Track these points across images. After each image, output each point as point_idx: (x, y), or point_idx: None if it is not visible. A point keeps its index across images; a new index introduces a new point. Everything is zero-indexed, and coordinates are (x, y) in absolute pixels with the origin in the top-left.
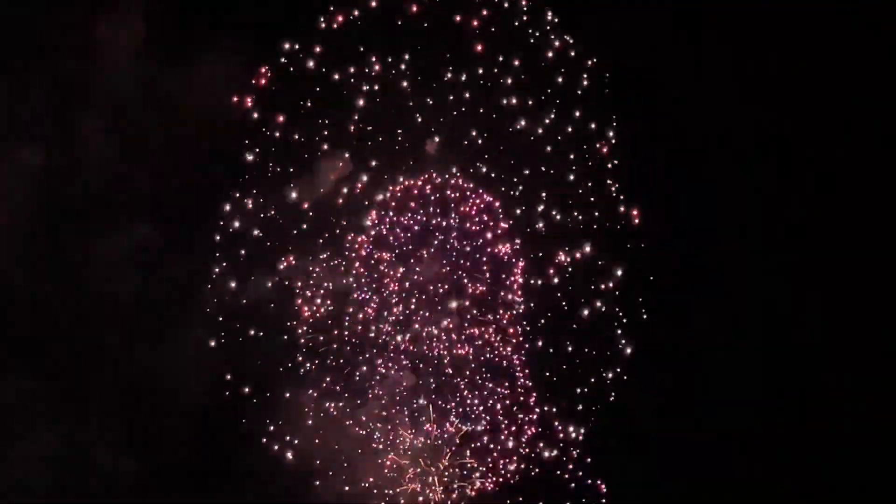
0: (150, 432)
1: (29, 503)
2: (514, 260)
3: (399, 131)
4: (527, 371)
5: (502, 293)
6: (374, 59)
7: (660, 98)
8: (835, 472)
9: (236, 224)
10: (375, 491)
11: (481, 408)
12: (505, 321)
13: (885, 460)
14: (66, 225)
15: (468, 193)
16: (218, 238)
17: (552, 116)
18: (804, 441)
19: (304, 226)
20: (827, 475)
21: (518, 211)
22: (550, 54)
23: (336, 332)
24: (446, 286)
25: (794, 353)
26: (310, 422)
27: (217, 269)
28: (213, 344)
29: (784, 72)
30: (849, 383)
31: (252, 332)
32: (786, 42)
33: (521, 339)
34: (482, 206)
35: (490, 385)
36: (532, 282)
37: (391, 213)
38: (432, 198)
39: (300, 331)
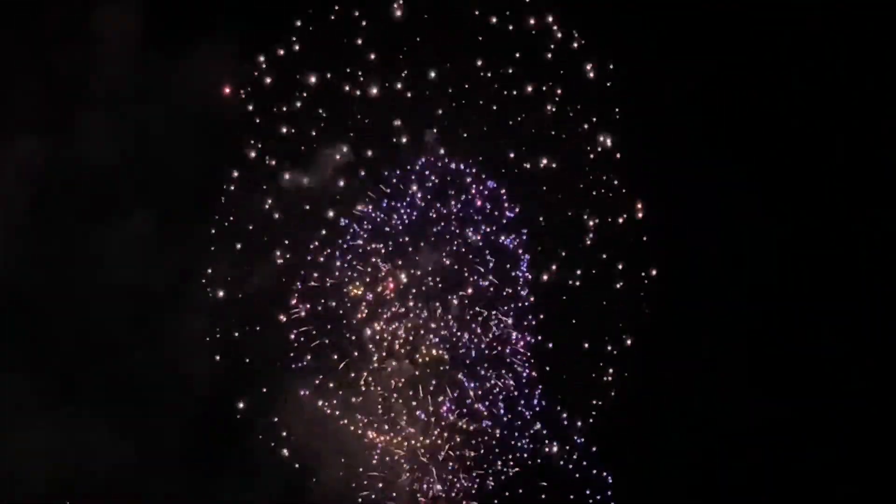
0: (147, 426)
1: (25, 496)
2: (520, 251)
3: (398, 123)
4: (531, 362)
5: (507, 288)
6: (371, 52)
7: (663, 92)
8: (834, 470)
9: (233, 217)
10: (367, 482)
11: (482, 401)
12: (510, 317)
13: (886, 461)
14: (63, 217)
15: (469, 180)
16: (215, 231)
17: (552, 109)
18: (805, 434)
19: (301, 220)
20: (826, 472)
21: (518, 207)
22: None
23: (330, 326)
24: (447, 278)
25: (797, 349)
26: (306, 417)
27: (214, 262)
28: (208, 339)
29: (790, 69)
30: (851, 381)
31: (248, 326)
32: (792, 39)
33: (525, 334)
34: (486, 193)
35: (492, 379)
36: (536, 276)
37: (387, 202)
38: (430, 184)
39: (295, 324)
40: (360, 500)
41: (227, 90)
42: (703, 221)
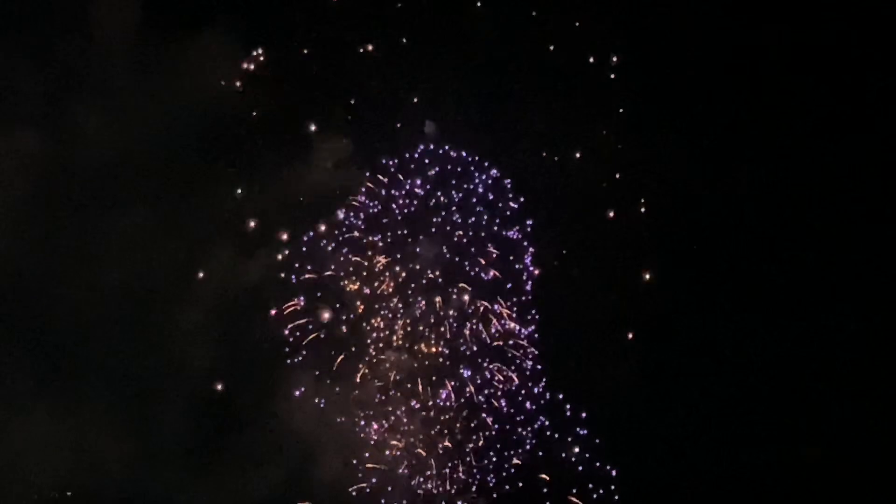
0: (147, 419)
1: (27, 488)
2: (524, 244)
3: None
4: (535, 355)
5: (509, 283)
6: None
7: (668, 88)
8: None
9: (234, 209)
10: (364, 474)
11: (483, 394)
12: (513, 310)
13: (886, 461)
14: (61, 211)
15: (472, 168)
16: (214, 223)
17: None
18: (805, 429)
19: (300, 210)
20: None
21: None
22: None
23: (328, 316)
24: (446, 270)
25: (799, 344)
26: (305, 410)
27: (213, 255)
28: (207, 332)
29: (796, 68)
30: (854, 378)
31: (248, 320)
32: (799, 37)
33: (529, 327)
34: (489, 182)
35: (494, 372)
36: (539, 269)
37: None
38: (430, 172)
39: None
40: (354, 492)
41: (222, 82)
42: (706, 216)
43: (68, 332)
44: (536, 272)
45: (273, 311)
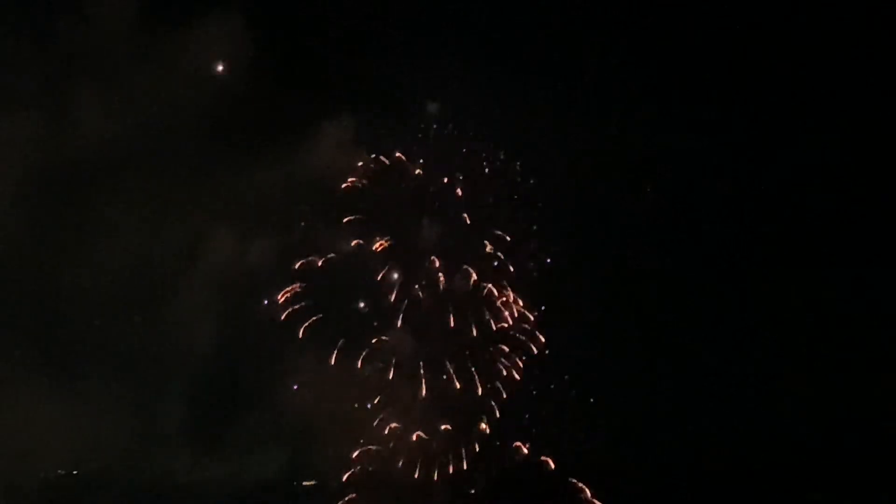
0: (151, 399)
1: (32, 469)
2: (534, 227)
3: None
4: (542, 340)
5: (511, 267)
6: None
7: (673, 83)
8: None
9: (234, 193)
10: (363, 454)
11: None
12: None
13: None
14: (61, 196)
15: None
16: (216, 207)
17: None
18: (806, 421)
19: (302, 194)
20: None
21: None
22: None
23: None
24: (450, 254)
25: (801, 335)
26: (307, 391)
27: (215, 238)
28: (211, 314)
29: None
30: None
31: (250, 301)
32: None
33: (534, 312)
34: (495, 165)
35: (499, 356)
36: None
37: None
38: (435, 154)
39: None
40: (355, 473)
41: (220, 68)
42: (712, 208)
43: (73, 316)
44: (544, 258)
45: (275, 295)
